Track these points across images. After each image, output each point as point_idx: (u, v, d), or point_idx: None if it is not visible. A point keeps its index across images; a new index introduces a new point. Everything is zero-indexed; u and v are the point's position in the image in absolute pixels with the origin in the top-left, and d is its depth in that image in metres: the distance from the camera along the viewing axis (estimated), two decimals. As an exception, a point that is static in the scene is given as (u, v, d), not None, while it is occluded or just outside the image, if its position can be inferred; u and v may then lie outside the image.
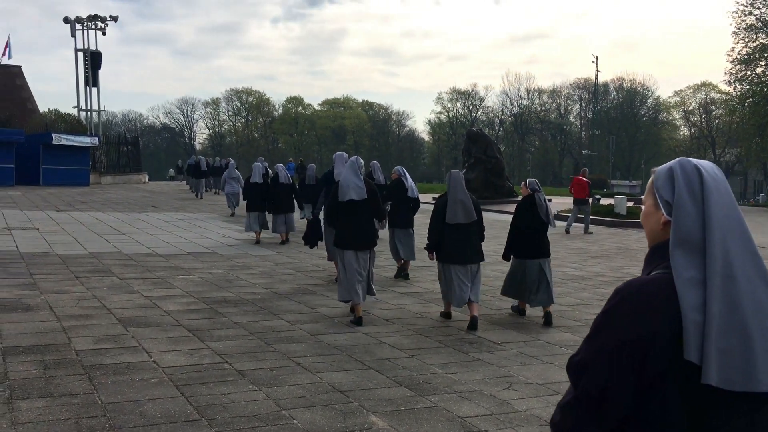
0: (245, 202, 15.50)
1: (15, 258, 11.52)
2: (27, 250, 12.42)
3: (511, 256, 8.34)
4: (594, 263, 13.42)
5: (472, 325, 7.63)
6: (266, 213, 15.13)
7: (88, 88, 43.91)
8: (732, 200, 1.68)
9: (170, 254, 12.88)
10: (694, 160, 1.72)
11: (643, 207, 1.79)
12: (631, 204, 26.06)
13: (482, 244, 8.05)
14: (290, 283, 10.24)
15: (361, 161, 8.13)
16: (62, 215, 19.65)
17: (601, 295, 10.13)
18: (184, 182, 39.79)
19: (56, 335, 6.68)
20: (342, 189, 7.82)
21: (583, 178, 20.64)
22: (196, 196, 30.18)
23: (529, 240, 8.14)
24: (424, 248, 8.32)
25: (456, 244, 7.76)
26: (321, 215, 9.89)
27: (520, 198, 8.60)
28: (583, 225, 20.50)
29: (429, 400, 5.28)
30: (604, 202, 27.84)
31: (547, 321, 8.02)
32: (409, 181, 11.49)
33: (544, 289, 8.04)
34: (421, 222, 11.17)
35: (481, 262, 8.07)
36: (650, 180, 1.79)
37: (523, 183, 8.68)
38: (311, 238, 10.43)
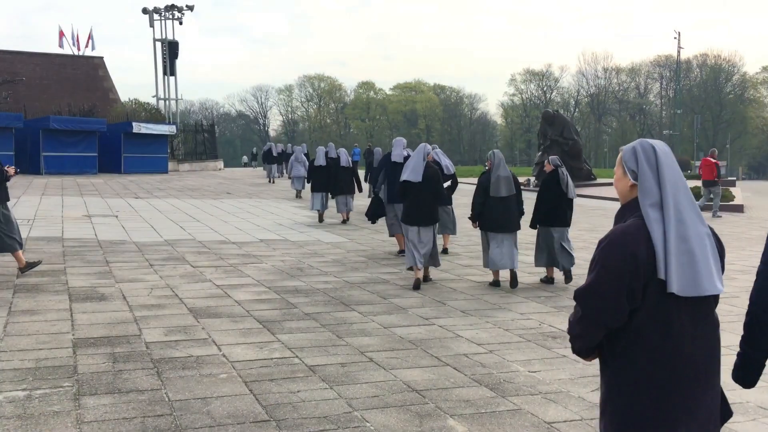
0: (310, 184, 16.83)
1: (93, 246, 11.69)
2: (105, 238, 12.61)
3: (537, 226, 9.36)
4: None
5: (514, 283, 9.00)
6: (329, 194, 16.26)
7: (166, 77, 44.91)
8: (677, 168, 2.49)
9: (243, 241, 12.85)
10: (650, 140, 2.55)
11: (615, 175, 2.63)
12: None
13: (522, 216, 9.21)
14: (362, 272, 9.98)
15: (429, 147, 9.30)
16: (141, 202, 20.04)
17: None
18: (260, 168, 40.30)
19: (127, 326, 6.61)
20: (407, 172, 8.95)
21: (712, 159, 19.94)
22: (269, 181, 31.64)
23: (553, 211, 9.16)
24: (468, 218, 9.43)
25: (499, 215, 8.87)
26: (381, 193, 11.45)
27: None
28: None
29: (511, 401, 4.89)
30: (691, 184, 26.53)
31: (568, 277, 9.29)
32: (444, 160, 11.64)
33: (566, 253, 9.19)
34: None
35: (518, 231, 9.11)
36: (619, 156, 2.59)
37: (546, 160, 9.63)
38: (372, 214, 11.87)
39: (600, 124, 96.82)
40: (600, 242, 2.50)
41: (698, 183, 25.38)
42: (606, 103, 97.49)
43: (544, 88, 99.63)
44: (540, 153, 29.14)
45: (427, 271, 9.28)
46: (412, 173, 8.86)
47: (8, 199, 8.86)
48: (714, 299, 2.53)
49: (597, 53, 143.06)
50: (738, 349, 2.91)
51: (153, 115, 42.26)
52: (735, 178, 43.54)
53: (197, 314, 7.15)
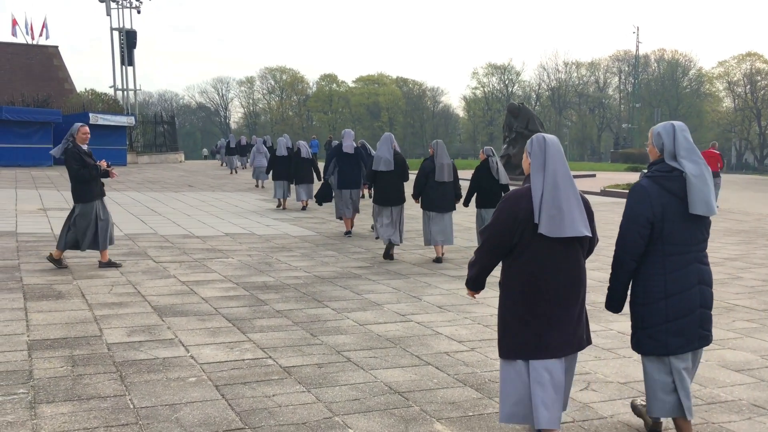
0: (271, 173, 18.20)
1: (49, 240, 11.15)
2: (61, 232, 12.04)
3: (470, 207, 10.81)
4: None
5: (438, 260, 10.17)
6: (289, 183, 17.55)
7: (124, 67, 43.81)
8: (560, 152, 3.63)
9: (207, 235, 12.42)
10: (546, 135, 3.72)
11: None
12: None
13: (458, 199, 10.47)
14: (333, 266, 9.67)
15: (392, 136, 10.75)
16: (98, 195, 19.38)
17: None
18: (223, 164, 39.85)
19: (87, 326, 6.20)
20: (376, 160, 10.35)
21: (714, 151, 20.29)
22: (231, 172, 32.19)
23: (485, 194, 10.32)
24: (411, 195, 10.39)
25: (438, 197, 10.09)
26: (331, 180, 12.94)
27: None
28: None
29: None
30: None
31: None
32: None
33: None
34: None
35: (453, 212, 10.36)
36: (526, 145, 3.75)
37: (481, 150, 10.80)
38: (321, 197, 13.47)
39: (561, 118, 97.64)
40: (503, 197, 3.81)
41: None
42: (566, 96, 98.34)
43: (506, 82, 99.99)
44: (505, 146, 29.10)
45: (392, 248, 10.38)
46: (385, 164, 10.30)
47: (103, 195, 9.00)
48: (579, 241, 3.69)
49: (557, 47, 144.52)
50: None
51: (111, 106, 41.13)
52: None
53: (162, 312, 6.77)
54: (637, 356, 5.77)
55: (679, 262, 3.76)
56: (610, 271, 4.00)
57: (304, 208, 17.25)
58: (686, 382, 3.85)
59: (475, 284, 3.90)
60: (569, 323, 3.66)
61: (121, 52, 43.26)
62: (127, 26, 43.27)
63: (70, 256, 9.64)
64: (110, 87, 44.33)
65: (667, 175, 3.78)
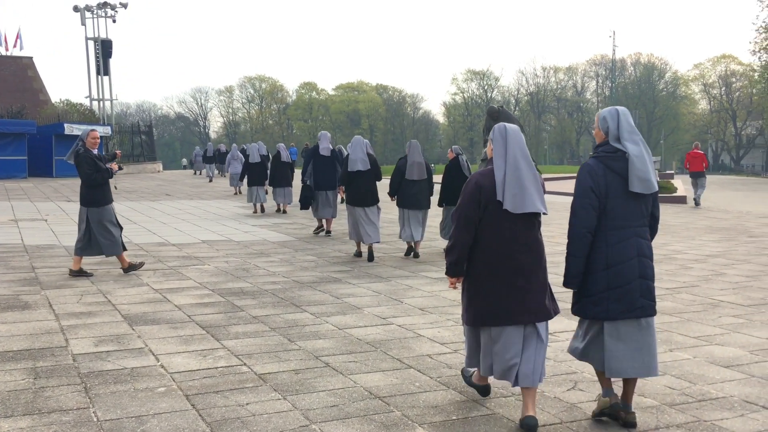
0: (246, 179, 18.25)
1: (18, 251, 10.81)
2: (32, 243, 11.72)
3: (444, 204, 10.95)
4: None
5: (415, 255, 10.55)
6: (264, 187, 17.76)
7: (99, 77, 43.34)
8: (520, 138, 4.12)
9: (183, 243, 12.14)
10: (504, 123, 4.15)
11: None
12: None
13: (431, 197, 10.65)
14: (312, 271, 9.45)
15: (365, 140, 10.76)
16: (73, 206, 18.95)
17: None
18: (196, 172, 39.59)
19: (52, 337, 5.92)
20: (351, 162, 10.28)
21: (699, 151, 20.61)
22: (209, 180, 32.25)
23: (455, 192, 9.68)
24: (387, 193, 10.75)
25: (412, 195, 10.37)
26: (309, 182, 13.07)
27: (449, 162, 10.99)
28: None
29: (484, 406, 4.46)
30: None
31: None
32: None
33: None
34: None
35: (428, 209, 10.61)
36: (490, 133, 4.17)
37: (450, 149, 11.10)
38: (304, 202, 13.18)
39: (540, 122, 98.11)
40: (469, 177, 4.24)
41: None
42: (545, 101, 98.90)
43: (485, 87, 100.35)
44: (485, 149, 29.04)
45: (371, 247, 10.41)
46: (361, 163, 10.28)
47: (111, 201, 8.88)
48: (536, 216, 4.14)
49: (535, 52, 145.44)
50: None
51: (86, 116, 40.65)
52: (672, 172, 44.42)
53: (132, 321, 6.50)
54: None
55: (620, 236, 4.04)
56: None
57: (280, 211, 17.54)
58: (623, 346, 4.07)
59: (456, 268, 4.18)
60: (530, 292, 4.05)
61: (97, 61, 42.76)
62: (103, 35, 42.81)
63: (42, 267, 9.32)
64: (86, 97, 43.84)
65: (611, 156, 4.05)
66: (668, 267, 9.92)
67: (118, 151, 9.08)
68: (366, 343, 5.88)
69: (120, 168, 8.99)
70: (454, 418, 4.25)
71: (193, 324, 6.44)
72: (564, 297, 5.54)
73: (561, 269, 4.34)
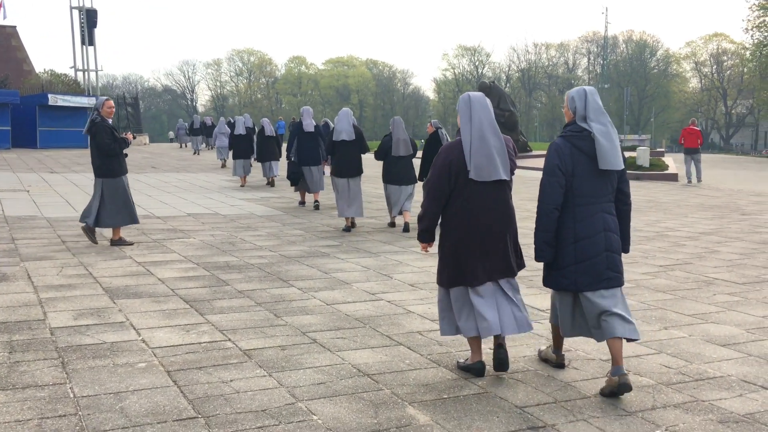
0: (232, 151, 18.30)
1: (-1, 222, 10.56)
2: (13, 213, 11.46)
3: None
4: (627, 218, 12.38)
5: (405, 228, 10.46)
6: (250, 160, 17.92)
7: (84, 47, 42.62)
8: (485, 107, 4.31)
9: (168, 215, 11.91)
10: (469, 93, 4.38)
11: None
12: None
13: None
14: (299, 245, 9.26)
15: (351, 112, 10.85)
16: (57, 177, 18.67)
17: (643, 251, 9.13)
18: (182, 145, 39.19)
19: (30, 310, 5.73)
20: (336, 132, 10.37)
21: (695, 128, 20.49)
22: (194, 152, 32.15)
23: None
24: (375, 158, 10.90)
25: (398, 171, 10.49)
26: (294, 158, 13.19)
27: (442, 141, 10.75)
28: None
29: (476, 384, 4.32)
30: (625, 154, 26.74)
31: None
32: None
33: None
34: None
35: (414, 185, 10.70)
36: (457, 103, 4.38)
37: (429, 123, 11.18)
38: (293, 178, 13.32)
39: (531, 99, 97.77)
40: (440, 149, 4.38)
41: (632, 153, 25.57)
42: (536, 78, 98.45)
43: (477, 63, 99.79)
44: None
45: (354, 220, 10.66)
46: (346, 134, 10.34)
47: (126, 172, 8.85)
48: (504, 183, 4.31)
49: (527, 29, 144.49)
50: None
51: (71, 87, 40.05)
52: (663, 150, 44.40)
53: (113, 295, 6.31)
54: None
55: (587, 212, 4.19)
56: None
57: (269, 184, 17.53)
58: (580, 315, 4.31)
59: (427, 235, 4.46)
60: (499, 253, 4.32)
61: (82, 31, 42.03)
62: (87, 5, 42.00)
63: (22, 238, 9.09)
64: (71, 68, 43.12)
65: (578, 135, 4.17)
66: (661, 244, 9.81)
67: (129, 134, 8.86)
68: (354, 319, 5.72)
69: (134, 137, 9.11)
70: (446, 396, 4.11)
71: (176, 298, 6.25)
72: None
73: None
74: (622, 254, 4.34)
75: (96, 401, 3.89)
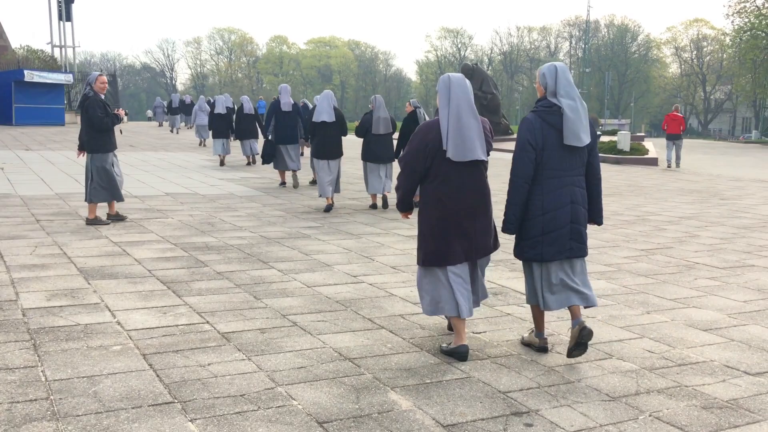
0: (211, 130, 18.21)
1: (-29, 200, 10.31)
2: (-14, 192, 11.20)
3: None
4: (609, 202, 12.39)
5: (384, 204, 10.77)
6: (229, 139, 17.75)
7: (61, 23, 41.80)
8: (464, 88, 4.31)
9: (146, 195, 11.71)
10: (451, 74, 4.39)
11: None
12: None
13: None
14: (280, 226, 9.14)
15: (332, 93, 10.86)
16: (32, 155, 18.32)
17: (625, 235, 9.13)
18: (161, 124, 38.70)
19: (1, 290, 5.57)
20: (317, 113, 10.43)
21: (678, 114, 20.52)
22: (171, 131, 31.76)
23: None
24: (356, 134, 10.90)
25: (377, 149, 10.51)
26: (271, 136, 13.18)
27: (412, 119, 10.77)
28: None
29: (459, 368, 4.26)
30: (605, 138, 26.79)
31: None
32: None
33: None
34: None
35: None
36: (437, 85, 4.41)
37: (408, 102, 11.09)
38: (267, 156, 13.17)
39: (512, 82, 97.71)
40: (417, 128, 4.41)
41: (613, 137, 25.64)
42: (518, 61, 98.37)
43: (459, 46, 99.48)
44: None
45: (331, 198, 10.67)
46: (326, 115, 10.38)
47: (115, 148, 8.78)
48: (481, 164, 4.36)
49: (510, 11, 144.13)
50: None
51: (48, 63, 39.27)
52: (643, 134, 44.62)
53: (88, 275, 6.16)
54: (602, 316, 5.47)
55: (555, 185, 4.30)
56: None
57: (249, 164, 17.59)
58: (551, 286, 4.42)
59: (404, 205, 4.56)
60: (476, 233, 4.37)
61: (59, 6, 41.18)
62: (64, -21, 41.11)
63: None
64: (48, 44, 42.24)
65: (548, 110, 4.27)
66: (642, 228, 9.82)
67: (121, 110, 8.80)
68: (336, 301, 5.64)
69: (126, 113, 9.16)
70: (428, 381, 4.04)
71: (153, 279, 6.12)
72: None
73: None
74: (598, 226, 4.55)
75: (68, 385, 3.77)
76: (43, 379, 3.85)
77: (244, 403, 3.63)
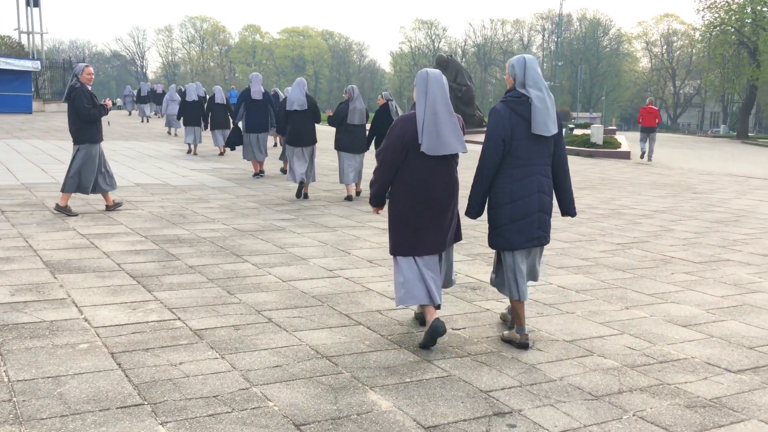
0: (182, 119, 18.06)
1: (-68, 190, 9.96)
2: (-52, 181, 10.85)
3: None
4: (583, 195, 12.40)
5: (357, 192, 11.02)
6: (201, 128, 17.59)
7: (29, 8, 40.72)
8: (441, 84, 4.37)
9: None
10: (429, 69, 4.41)
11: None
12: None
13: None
14: (254, 219, 8.97)
15: (305, 81, 10.83)
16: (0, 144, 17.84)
17: (600, 229, 9.11)
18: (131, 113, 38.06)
19: (-38, 285, 5.34)
20: (289, 102, 10.50)
21: (652, 107, 20.67)
22: (141, 120, 30.93)
23: (384, 137, 11.20)
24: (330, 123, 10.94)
25: (350, 139, 10.61)
26: (240, 124, 13.40)
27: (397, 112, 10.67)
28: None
29: (439, 366, 4.16)
30: (578, 132, 26.90)
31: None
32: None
33: None
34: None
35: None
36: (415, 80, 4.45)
37: (380, 95, 11.07)
38: (232, 142, 13.57)
39: (486, 75, 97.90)
40: (394, 121, 4.46)
41: (587, 131, 25.76)
42: (491, 53, 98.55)
43: (433, 37, 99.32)
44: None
45: (307, 188, 10.80)
46: (299, 104, 10.47)
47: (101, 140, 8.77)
48: (453, 157, 4.44)
49: (484, 4, 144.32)
50: None
51: (15, 50, 38.37)
52: (614, 128, 44.98)
53: (55, 269, 5.95)
54: (581, 311, 5.41)
55: (523, 174, 4.40)
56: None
57: (221, 154, 17.56)
58: (522, 274, 4.54)
59: (377, 200, 4.63)
60: (442, 225, 4.45)
61: (25, -10, 40.12)
62: (31, -38, 40.08)
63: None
64: (15, 29, 41.26)
65: (516, 101, 4.39)
66: (617, 222, 9.82)
67: (108, 100, 8.75)
68: (312, 296, 5.51)
69: (114, 104, 8.82)
70: (408, 380, 3.93)
71: (122, 273, 5.93)
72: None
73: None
74: (572, 218, 4.65)
75: (32, 386, 3.60)
76: (5, 379, 3.67)
77: (217, 405, 3.49)
